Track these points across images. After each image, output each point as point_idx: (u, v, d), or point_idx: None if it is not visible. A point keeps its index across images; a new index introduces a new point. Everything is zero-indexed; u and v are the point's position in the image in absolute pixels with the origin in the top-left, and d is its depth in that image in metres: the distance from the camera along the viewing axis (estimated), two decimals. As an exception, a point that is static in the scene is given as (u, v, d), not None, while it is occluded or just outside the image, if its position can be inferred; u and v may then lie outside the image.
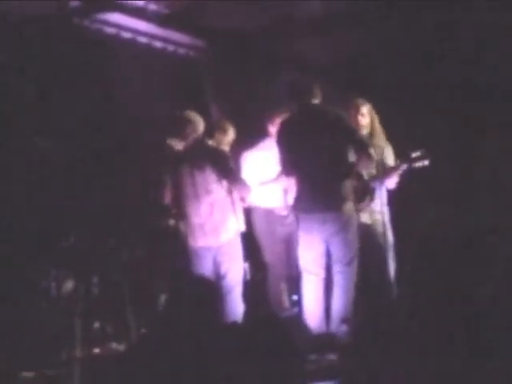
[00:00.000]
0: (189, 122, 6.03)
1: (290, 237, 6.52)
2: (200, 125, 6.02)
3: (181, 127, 6.03)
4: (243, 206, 6.12)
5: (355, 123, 6.03)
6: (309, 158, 5.60)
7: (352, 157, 5.66)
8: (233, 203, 5.93)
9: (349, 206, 5.62)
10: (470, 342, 4.59)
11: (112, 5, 6.48)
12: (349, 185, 5.66)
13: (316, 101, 5.75)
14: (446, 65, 8.30)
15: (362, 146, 5.63)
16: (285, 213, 6.49)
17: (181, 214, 5.92)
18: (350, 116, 6.01)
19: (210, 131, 6.18)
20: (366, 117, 6.21)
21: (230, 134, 6.48)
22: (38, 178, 5.81)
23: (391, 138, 6.37)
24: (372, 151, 5.67)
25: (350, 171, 5.68)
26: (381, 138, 6.27)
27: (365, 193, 6.03)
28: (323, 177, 5.56)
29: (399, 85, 8.51)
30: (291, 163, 5.75)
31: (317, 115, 5.71)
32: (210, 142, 6.13)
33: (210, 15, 7.14)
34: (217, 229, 5.84)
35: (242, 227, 6.07)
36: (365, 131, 6.17)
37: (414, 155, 5.94)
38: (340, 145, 5.62)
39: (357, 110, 6.18)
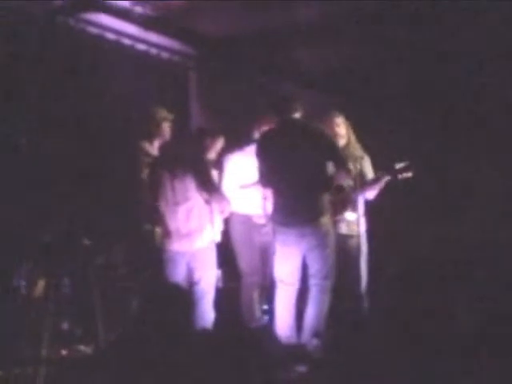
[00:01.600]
0: (160, 117, 6.04)
1: (266, 246, 6.50)
2: (169, 118, 6.04)
3: (153, 125, 6.04)
4: (222, 217, 6.11)
5: (332, 134, 6.04)
6: (287, 172, 5.59)
7: (331, 170, 5.65)
8: (210, 212, 5.91)
9: (326, 219, 5.62)
10: (443, 357, 4.60)
11: (97, 5, 6.46)
12: (327, 198, 5.65)
13: (297, 115, 5.75)
14: (434, 79, 8.36)
15: (341, 162, 5.63)
16: (263, 221, 6.47)
17: (158, 218, 5.88)
18: (326, 127, 6.01)
19: (200, 137, 6.17)
20: (341, 127, 6.24)
21: (219, 143, 6.48)
22: (12, 176, 5.76)
23: (378, 149, 6.39)
24: (350, 166, 5.69)
25: (329, 185, 5.67)
26: (356, 149, 6.31)
27: (345, 205, 6.04)
28: (301, 190, 5.56)
29: (386, 96, 8.56)
30: (269, 176, 5.75)
31: (297, 129, 5.71)
32: (197, 148, 6.09)
33: (196, 20, 7.14)
34: (192, 234, 5.81)
35: (218, 237, 6.06)
36: (342, 141, 6.20)
37: (397, 167, 5.95)
38: (319, 159, 5.62)
39: (332, 122, 6.22)
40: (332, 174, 5.65)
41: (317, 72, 8.81)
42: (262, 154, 5.80)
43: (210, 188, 5.89)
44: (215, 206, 5.93)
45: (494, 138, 8.43)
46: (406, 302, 5.71)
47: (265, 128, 6.28)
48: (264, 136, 5.96)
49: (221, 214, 6.05)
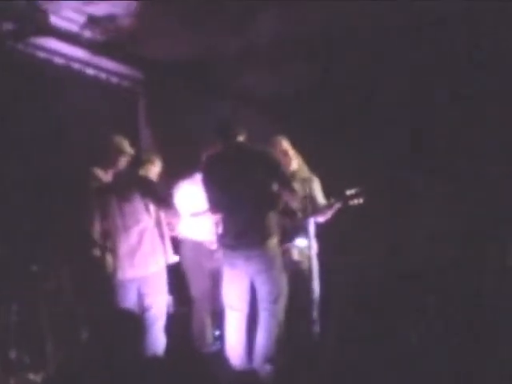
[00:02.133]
0: (118, 150, 5.99)
1: (217, 272, 6.51)
2: (128, 152, 6.00)
3: (110, 156, 5.99)
4: (172, 234, 6.08)
5: (283, 158, 6.10)
6: (232, 195, 5.60)
7: (276, 190, 5.68)
8: (161, 234, 5.90)
9: (274, 242, 5.62)
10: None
11: (46, 29, 6.41)
12: (274, 220, 5.67)
13: (241, 138, 5.77)
14: (388, 103, 8.48)
15: (285, 181, 5.65)
16: (214, 247, 6.47)
17: (108, 245, 5.83)
18: (275, 151, 6.07)
19: (138, 161, 6.13)
20: (287, 151, 6.26)
21: (158, 166, 6.45)
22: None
23: (329, 173, 6.42)
24: (295, 186, 5.72)
25: (276, 202, 5.69)
26: (304, 171, 6.34)
27: (297, 231, 6.06)
28: (247, 213, 5.56)
29: (339, 121, 8.65)
30: (216, 200, 5.76)
31: (240, 152, 5.72)
32: (139, 172, 6.07)
33: (145, 44, 7.15)
34: (146, 259, 5.78)
35: (174, 258, 6.04)
36: (294, 164, 6.25)
37: (348, 193, 5.97)
38: (264, 181, 5.63)
39: (278, 147, 6.24)
40: (278, 193, 5.68)
41: (266, 96, 8.87)
42: (207, 179, 5.81)
43: (160, 201, 5.89)
44: (165, 227, 5.92)
45: (443, 157, 8.58)
46: (358, 324, 5.75)
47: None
48: (208, 161, 5.95)
49: (170, 231, 6.03)
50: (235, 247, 5.60)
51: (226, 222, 5.72)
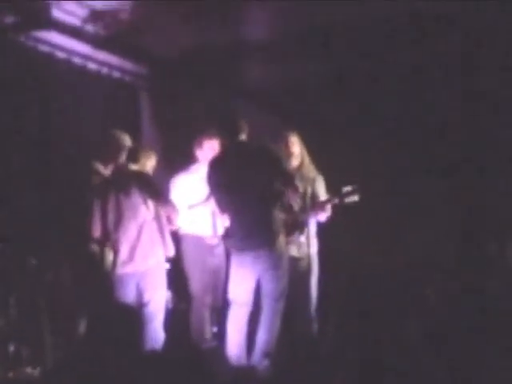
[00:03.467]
0: (119, 145, 5.99)
1: (218, 267, 6.51)
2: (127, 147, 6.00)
3: (110, 151, 5.99)
4: (171, 228, 6.07)
5: (286, 153, 6.07)
6: (238, 196, 5.60)
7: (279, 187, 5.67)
8: (160, 228, 5.88)
9: (281, 241, 5.65)
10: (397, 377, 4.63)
11: (48, 23, 6.39)
12: (279, 218, 5.67)
13: (243, 136, 5.76)
14: (385, 98, 8.48)
15: (287, 178, 5.66)
16: (215, 242, 6.47)
17: (107, 240, 5.82)
18: (280, 147, 6.04)
19: (135, 155, 6.10)
20: (295, 147, 6.23)
21: (153, 160, 6.43)
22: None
23: (327, 171, 6.41)
24: (297, 183, 5.72)
25: (279, 198, 5.68)
26: (310, 169, 6.31)
27: (294, 226, 6.05)
28: (254, 214, 5.57)
29: (341, 119, 8.65)
30: (222, 201, 5.77)
31: (243, 151, 5.74)
32: (135, 167, 6.04)
33: (147, 39, 7.14)
34: (145, 253, 5.77)
35: (172, 252, 6.01)
36: (296, 161, 6.20)
37: (344, 190, 6.00)
38: (268, 179, 5.62)
39: (286, 141, 6.21)
40: (281, 190, 5.67)
41: (268, 91, 8.87)
42: (212, 181, 5.81)
43: (157, 196, 5.89)
44: (164, 220, 5.91)
45: (441, 156, 8.59)
46: (356, 324, 5.74)
47: (207, 145, 6.44)
48: (213, 162, 5.92)
49: (169, 225, 6.02)
50: (243, 248, 5.64)
51: (232, 223, 5.72)
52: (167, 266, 6.16)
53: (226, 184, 5.67)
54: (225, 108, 8.27)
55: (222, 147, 6.05)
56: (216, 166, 5.83)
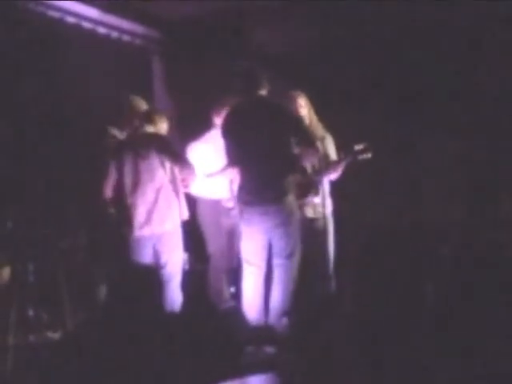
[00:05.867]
0: (134, 109, 5.99)
1: (234, 229, 6.51)
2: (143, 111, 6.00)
3: (125, 115, 5.99)
4: (185, 191, 6.07)
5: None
6: (252, 150, 5.58)
7: (295, 150, 5.66)
8: (176, 191, 5.88)
9: (290, 199, 5.61)
10: (412, 336, 4.63)
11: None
12: (291, 178, 5.65)
13: (263, 92, 5.73)
14: (395, 61, 8.43)
15: (308, 139, 5.64)
16: (231, 204, 6.47)
17: (124, 203, 5.84)
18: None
19: (150, 118, 6.08)
20: (303, 108, 6.21)
21: (166, 123, 6.40)
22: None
23: (336, 130, 6.40)
24: (318, 144, 5.71)
25: (295, 166, 5.68)
26: (319, 129, 6.29)
27: (309, 188, 6.04)
28: (266, 169, 5.55)
29: (347, 78, 8.60)
30: (236, 154, 5.72)
31: (262, 107, 5.69)
32: (151, 129, 6.03)
33: (158, 2, 7.09)
34: (162, 216, 5.78)
35: (186, 215, 6.02)
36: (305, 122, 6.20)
37: (356, 148, 5.99)
38: (285, 137, 5.60)
39: (294, 102, 6.18)
40: (298, 154, 5.66)
41: (279, 54, 8.82)
42: (228, 132, 5.76)
43: (179, 159, 5.88)
44: (179, 183, 5.91)
45: (453, 116, 8.56)
46: (372, 281, 5.75)
47: (223, 113, 6.27)
48: (229, 114, 5.88)
49: (184, 187, 6.02)
50: (251, 202, 5.59)
51: (243, 177, 5.69)
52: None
53: (237, 136, 5.65)
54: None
55: (242, 99, 5.91)
56: (233, 114, 5.80)
